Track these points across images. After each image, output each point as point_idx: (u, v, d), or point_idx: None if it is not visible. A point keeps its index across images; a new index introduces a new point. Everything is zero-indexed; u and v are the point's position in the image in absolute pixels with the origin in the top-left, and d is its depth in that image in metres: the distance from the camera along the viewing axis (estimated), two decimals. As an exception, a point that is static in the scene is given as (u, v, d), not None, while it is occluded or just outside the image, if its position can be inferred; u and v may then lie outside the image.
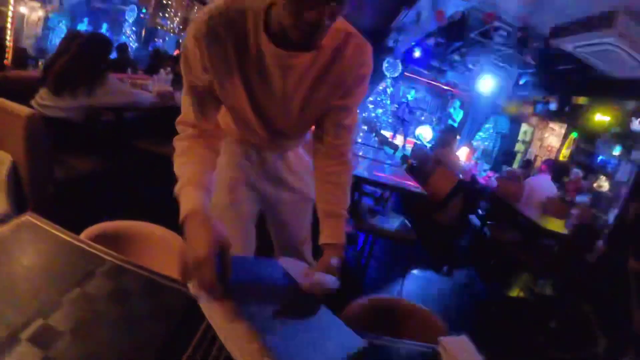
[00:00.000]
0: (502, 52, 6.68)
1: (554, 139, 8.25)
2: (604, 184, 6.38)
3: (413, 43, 7.97)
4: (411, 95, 10.72)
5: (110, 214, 1.39)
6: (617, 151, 6.27)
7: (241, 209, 1.36)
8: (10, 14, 2.92)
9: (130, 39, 7.22)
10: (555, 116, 7.58)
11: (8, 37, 2.95)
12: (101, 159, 2.67)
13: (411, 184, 3.27)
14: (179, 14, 6.84)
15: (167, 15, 6.72)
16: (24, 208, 1.41)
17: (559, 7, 4.39)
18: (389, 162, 4.19)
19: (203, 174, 1.03)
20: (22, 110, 1.78)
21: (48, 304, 0.69)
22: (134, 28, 7.27)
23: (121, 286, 0.79)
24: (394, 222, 3.04)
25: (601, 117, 6.35)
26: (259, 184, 1.40)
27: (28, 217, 0.92)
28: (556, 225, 3.92)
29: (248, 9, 0.99)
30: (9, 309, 0.66)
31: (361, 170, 3.13)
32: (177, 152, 1.08)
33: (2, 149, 1.65)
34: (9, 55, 3.15)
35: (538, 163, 7.49)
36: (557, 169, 4.69)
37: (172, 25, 6.98)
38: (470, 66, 7.97)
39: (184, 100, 1.11)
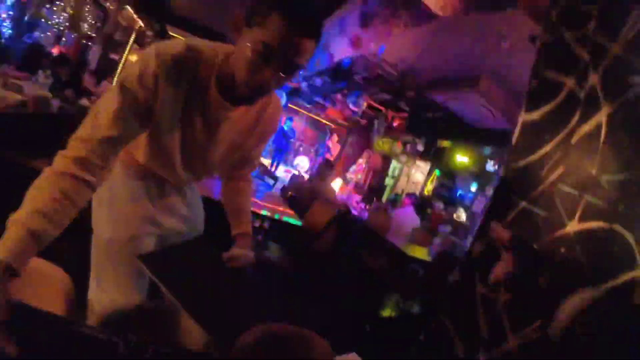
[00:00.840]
0: (379, 96, 7.53)
1: (420, 175, 9.29)
2: (462, 215, 7.23)
3: (299, 78, 8.47)
4: (287, 125, 11.19)
5: None
6: (474, 187, 7.27)
7: (140, 245, 1.30)
8: None
9: (4, 24, 6.18)
10: (422, 155, 8.60)
11: None
12: None
13: (289, 215, 3.58)
14: (67, 9, 6.14)
15: (54, 7, 5.95)
16: None
17: (434, 64, 5.20)
18: (268, 193, 4.41)
19: (47, 218, 0.87)
20: None
21: None
22: (10, 12, 6.23)
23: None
24: (272, 252, 3.27)
25: (461, 158, 7.36)
26: (157, 217, 1.35)
27: None
28: (421, 252, 4.45)
29: (205, 59, 1.07)
30: None
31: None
32: (48, 171, 0.95)
33: None
34: None
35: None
36: (421, 203, 5.35)
37: (57, 20, 6.25)
38: (350, 105, 8.71)
39: (101, 117, 1.00)
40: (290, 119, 11.18)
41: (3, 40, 5.57)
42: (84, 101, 4.87)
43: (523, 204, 1.47)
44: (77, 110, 4.21)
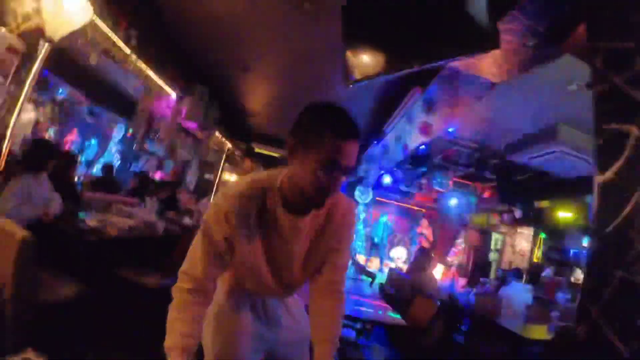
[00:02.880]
0: (463, 171, 7.31)
1: (525, 243, 8.55)
2: (580, 276, 6.40)
3: (382, 171, 8.57)
4: (383, 219, 11.09)
5: (90, 343, 1.36)
6: (585, 242, 6.40)
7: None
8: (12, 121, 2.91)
9: (115, 157, 7.20)
10: (522, 222, 7.97)
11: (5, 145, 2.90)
12: (82, 284, 2.55)
13: (391, 315, 3.41)
14: (165, 142, 7.02)
15: (154, 140, 6.81)
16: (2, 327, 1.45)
17: (507, 127, 5.00)
18: (367, 292, 4.27)
19: (192, 336, 1.19)
20: (17, 230, 1.76)
21: None
22: (119, 147, 7.29)
23: None
24: (378, 355, 3.04)
25: (564, 214, 6.69)
26: (262, 330, 1.50)
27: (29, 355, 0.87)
28: (540, 332, 3.92)
29: (267, 186, 1.27)
30: None
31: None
32: (175, 303, 1.23)
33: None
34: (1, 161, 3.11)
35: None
36: (530, 273, 4.79)
37: (159, 152, 7.05)
38: (436, 188, 8.55)
39: (196, 256, 1.25)
40: (385, 214, 11.19)
41: (114, 171, 6.45)
42: (186, 220, 5.35)
43: (619, 273, 1.25)
44: (181, 230, 4.60)
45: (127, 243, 3.50)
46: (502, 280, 6.20)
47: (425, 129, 4.49)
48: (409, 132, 5.03)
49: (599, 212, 1.40)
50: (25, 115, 6.05)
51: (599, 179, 1.40)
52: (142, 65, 4.94)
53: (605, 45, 1.41)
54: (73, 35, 3.03)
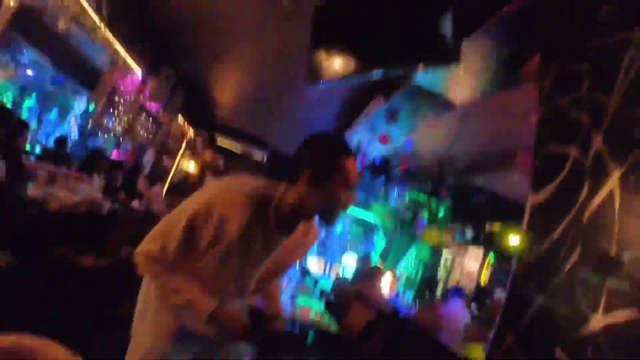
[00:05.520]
0: (420, 185, 7.41)
1: (474, 264, 8.71)
2: None
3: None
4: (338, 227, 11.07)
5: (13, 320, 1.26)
6: None
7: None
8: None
9: (73, 130, 6.89)
10: (473, 242, 8.14)
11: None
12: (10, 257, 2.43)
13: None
14: (126, 119, 6.71)
15: (113, 116, 6.55)
16: None
17: (468, 149, 5.09)
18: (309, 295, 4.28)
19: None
20: None
21: None
22: (79, 120, 6.97)
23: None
24: None
25: (514, 239, 6.84)
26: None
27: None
28: (478, 351, 3.89)
29: (267, 202, 1.29)
30: None
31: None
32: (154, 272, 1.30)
33: None
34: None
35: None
36: (476, 294, 4.86)
37: (117, 128, 6.84)
38: (392, 201, 8.62)
39: (174, 230, 1.26)
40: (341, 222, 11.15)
41: (69, 145, 6.14)
42: (135, 203, 5.14)
43: (540, 299, 1.24)
44: (126, 212, 4.42)
45: (67, 219, 3.36)
46: (445, 297, 6.30)
47: (384, 139, 4.51)
48: (370, 140, 5.03)
49: (527, 235, 1.39)
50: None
51: (531, 200, 1.40)
52: (111, 38, 4.75)
53: (556, 67, 1.41)
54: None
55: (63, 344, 1.03)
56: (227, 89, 7.05)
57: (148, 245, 1.27)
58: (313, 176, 1.25)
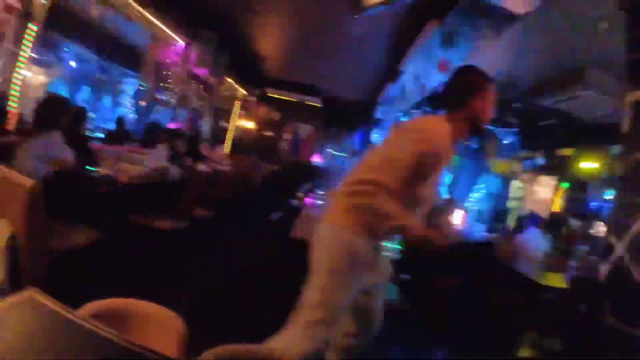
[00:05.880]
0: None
1: (546, 192, 8.30)
2: (601, 229, 6.08)
3: (400, 114, 8.27)
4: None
5: (105, 289, 1.30)
6: (609, 195, 6.09)
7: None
8: (15, 80, 2.88)
9: (130, 110, 7.28)
10: (544, 170, 7.69)
11: (11, 103, 2.93)
12: (96, 231, 2.57)
13: None
14: (177, 90, 6.90)
15: (165, 89, 6.79)
16: (18, 277, 1.43)
17: (532, 68, 4.67)
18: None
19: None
20: (25, 181, 1.75)
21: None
22: (133, 100, 7.34)
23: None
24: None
25: (589, 164, 6.34)
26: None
27: (30, 293, 0.80)
28: (557, 280, 3.83)
29: (445, 131, 1.54)
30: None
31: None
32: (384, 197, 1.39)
33: (3, 217, 1.60)
34: (11, 120, 3.11)
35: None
36: (549, 222, 4.61)
37: (171, 100, 7.07)
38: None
39: (399, 165, 1.43)
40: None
41: (128, 124, 6.46)
42: (201, 166, 5.32)
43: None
44: (194, 176, 4.58)
45: (138, 189, 3.53)
46: (520, 227, 6.06)
47: (443, 66, 4.21)
48: (427, 70, 4.74)
49: (629, 134, 1.23)
50: (35, 79, 6.07)
51: (631, 97, 1.22)
52: (145, 12, 4.75)
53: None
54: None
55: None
56: (270, 41, 6.94)
57: (370, 175, 1.40)
58: (480, 95, 1.56)
